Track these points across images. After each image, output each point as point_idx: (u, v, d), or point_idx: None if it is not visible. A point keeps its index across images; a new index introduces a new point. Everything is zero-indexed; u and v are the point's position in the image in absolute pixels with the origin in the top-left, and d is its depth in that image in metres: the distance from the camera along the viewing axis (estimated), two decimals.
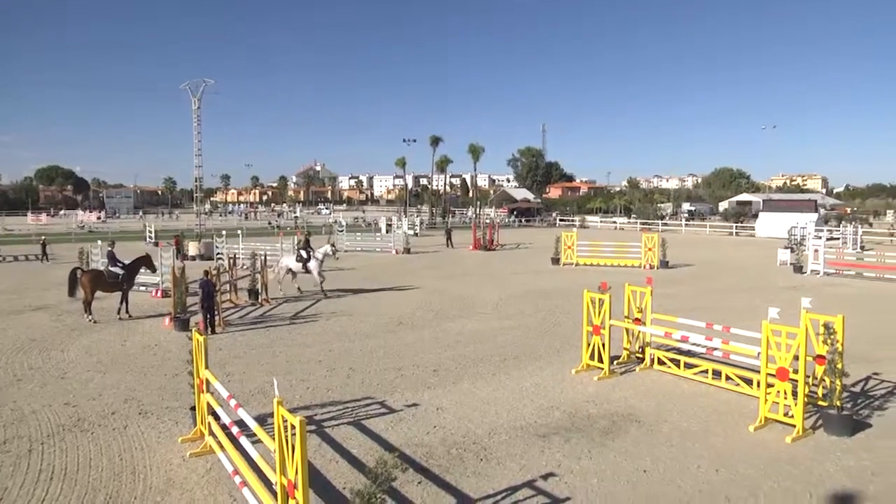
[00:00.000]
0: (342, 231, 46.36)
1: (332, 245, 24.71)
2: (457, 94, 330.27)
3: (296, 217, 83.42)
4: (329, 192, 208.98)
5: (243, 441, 7.47)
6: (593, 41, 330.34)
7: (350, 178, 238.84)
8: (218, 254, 33.40)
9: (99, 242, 26.07)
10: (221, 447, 8.54)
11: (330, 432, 9.96)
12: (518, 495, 7.90)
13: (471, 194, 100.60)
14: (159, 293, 23.09)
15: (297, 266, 24.03)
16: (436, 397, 11.75)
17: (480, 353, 15.14)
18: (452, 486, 8.13)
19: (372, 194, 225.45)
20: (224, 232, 36.20)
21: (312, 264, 23.78)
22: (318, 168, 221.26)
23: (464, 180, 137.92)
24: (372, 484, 5.44)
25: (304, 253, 23.99)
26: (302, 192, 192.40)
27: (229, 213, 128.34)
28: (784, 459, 9.21)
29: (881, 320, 19.70)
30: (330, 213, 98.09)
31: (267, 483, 6.86)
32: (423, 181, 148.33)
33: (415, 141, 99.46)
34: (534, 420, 10.63)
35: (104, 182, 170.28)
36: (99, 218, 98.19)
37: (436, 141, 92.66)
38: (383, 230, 55.43)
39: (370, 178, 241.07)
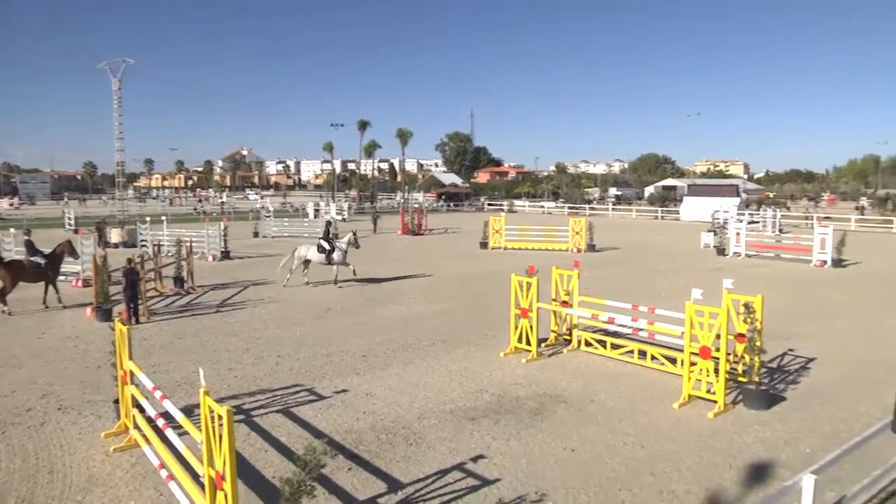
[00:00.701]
0: (269, 217, 45.68)
1: (354, 234, 24.03)
2: (385, 79, 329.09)
3: (222, 203, 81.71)
4: (256, 177, 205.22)
5: (169, 433, 7.32)
6: (521, 27, 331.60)
7: (278, 163, 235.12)
8: (142, 241, 32.62)
9: (12, 230, 25.00)
10: (147, 440, 8.34)
11: (259, 421, 9.86)
12: (448, 478, 7.97)
13: (399, 179, 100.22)
14: (80, 283, 22.41)
15: (318, 257, 23.22)
16: (365, 383, 11.75)
17: (409, 337, 15.19)
18: (383, 471, 8.16)
19: (300, 179, 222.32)
20: (148, 218, 35.36)
21: (337, 255, 23.21)
22: (245, 152, 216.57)
23: (392, 165, 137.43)
24: (301, 471, 5.40)
25: (325, 244, 23.34)
26: (228, 177, 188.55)
27: (153, 198, 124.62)
28: (706, 434, 9.57)
29: (797, 299, 20.55)
30: (258, 199, 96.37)
31: (194, 476, 6.76)
32: (352, 166, 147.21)
33: (343, 125, 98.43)
34: (463, 403, 10.72)
35: (17, 167, 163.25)
36: (11, 204, 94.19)
37: (364, 125, 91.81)
38: (311, 215, 54.92)
39: (298, 163, 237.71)
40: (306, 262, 23.14)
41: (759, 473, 8.32)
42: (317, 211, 56.73)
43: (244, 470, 7.91)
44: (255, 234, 42.38)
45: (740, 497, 7.65)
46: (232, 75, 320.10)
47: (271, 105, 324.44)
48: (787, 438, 9.48)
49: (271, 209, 52.58)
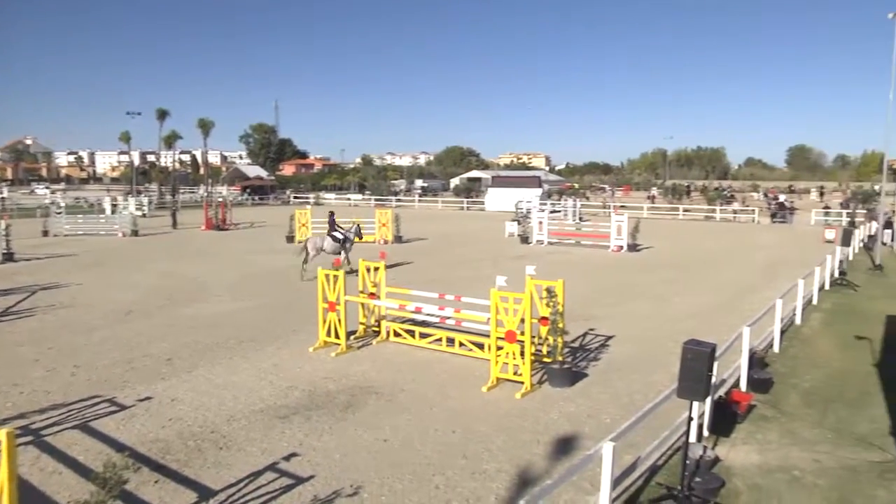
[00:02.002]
0: (60, 213, 42.53)
1: (358, 225, 24.65)
2: (185, 66, 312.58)
3: (2, 198, 74.85)
4: (45, 170, 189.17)
5: None
6: (323, 18, 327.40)
7: (69, 154, 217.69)
8: None
9: None
10: None
11: (51, 440, 9.13)
12: (261, 480, 7.87)
13: (202, 171, 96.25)
14: None
15: (333, 247, 23.81)
16: (170, 388, 11.26)
17: (216, 337, 14.73)
18: (192, 479, 7.90)
19: (94, 172, 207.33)
20: None
21: (348, 244, 24.26)
22: (30, 142, 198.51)
23: (194, 157, 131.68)
24: (100, 491, 5.09)
25: (338, 234, 24.31)
26: (10, 170, 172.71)
27: None
28: (515, 414, 10.06)
29: (597, 282, 22.02)
30: (48, 194, 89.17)
31: None
32: (151, 157, 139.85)
33: (140, 114, 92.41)
34: (273, 402, 10.60)
35: None
36: None
37: (163, 114, 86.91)
38: (108, 211, 51.75)
39: (92, 155, 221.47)
40: (318, 253, 23.33)
41: (564, 446, 8.89)
42: (114, 206, 53.45)
43: (31, 498, 7.31)
44: (45, 233, 39.10)
45: (548, 469, 8.12)
46: (10, 56, 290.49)
47: (58, 91, 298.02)
48: (589, 412, 10.19)
49: (63, 205, 49.01)
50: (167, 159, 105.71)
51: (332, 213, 26.17)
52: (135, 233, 39.01)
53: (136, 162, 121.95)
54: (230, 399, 10.73)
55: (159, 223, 45.20)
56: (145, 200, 60.78)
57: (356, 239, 25.24)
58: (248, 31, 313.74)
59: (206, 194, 72.58)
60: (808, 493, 7.78)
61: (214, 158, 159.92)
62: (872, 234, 34.84)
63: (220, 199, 56.67)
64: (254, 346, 14.04)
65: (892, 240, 34.39)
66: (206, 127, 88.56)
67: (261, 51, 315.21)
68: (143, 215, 51.94)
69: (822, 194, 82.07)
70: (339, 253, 23.71)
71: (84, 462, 8.41)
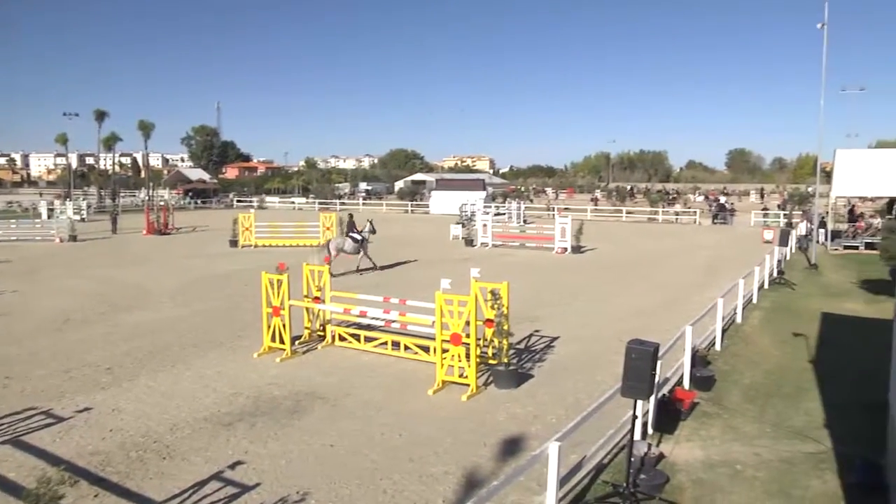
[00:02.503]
0: None
1: (371, 223, 25.46)
2: (124, 65, 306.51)
3: None
4: None
5: None
6: (266, 19, 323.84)
7: (0, 156, 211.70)
8: None
9: None
10: None
11: None
12: (206, 489, 7.73)
13: (143, 175, 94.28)
14: None
15: (352, 247, 24.92)
16: (111, 398, 10.98)
17: (159, 344, 14.43)
18: (134, 492, 7.72)
19: (28, 175, 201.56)
20: None
21: (366, 245, 25.26)
22: None
23: (135, 159, 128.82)
24: None
25: (357, 235, 25.15)
26: None
27: None
28: (461, 416, 10.08)
29: (541, 284, 22.18)
30: None
31: None
32: (90, 160, 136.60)
33: (77, 115, 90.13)
34: (218, 409, 10.43)
35: None
36: None
37: (101, 115, 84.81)
38: (44, 215, 50.43)
39: (26, 157, 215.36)
40: (338, 253, 24.31)
41: (511, 447, 8.93)
42: (51, 210, 52.13)
43: None
44: None
45: (495, 471, 8.16)
46: None
47: None
48: (535, 412, 10.26)
49: None
50: (107, 162, 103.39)
51: (351, 216, 27.39)
52: (73, 238, 38.02)
53: (74, 165, 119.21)
54: (173, 407, 10.52)
55: (99, 228, 44.15)
56: (84, 204, 59.35)
57: (369, 235, 26.10)
58: (189, 31, 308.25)
59: (147, 198, 71.15)
60: (749, 485, 7.99)
61: (156, 161, 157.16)
62: (804, 233, 35.86)
63: (162, 203, 55.75)
64: (197, 352, 13.80)
65: (827, 239, 35.42)
66: (146, 129, 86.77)
67: (202, 51, 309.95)
68: (82, 220, 50.70)
69: (762, 196, 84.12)
70: (359, 252, 25.08)
71: (16, 480, 8.01)
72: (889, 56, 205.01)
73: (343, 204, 74.30)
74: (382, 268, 25.57)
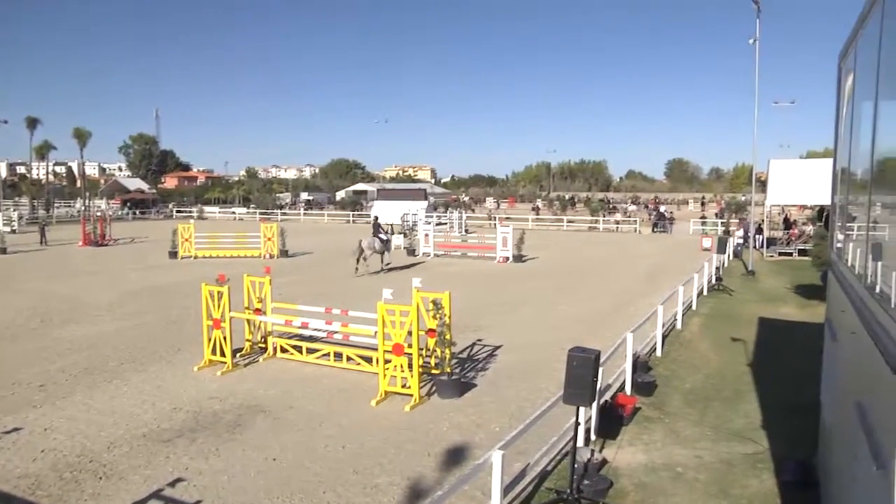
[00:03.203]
0: None
1: (392, 226, 27.90)
2: (59, 71, 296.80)
3: None
4: None
5: None
6: (207, 25, 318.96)
7: None
8: None
9: None
10: None
11: None
12: None
13: (79, 184, 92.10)
14: None
15: (380, 246, 27.06)
16: (43, 417, 10.59)
17: (95, 359, 14.02)
18: None
19: None
20: None
21: (390, 244, 27.33)
22: None
23: (70, 169, 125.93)
24: None
25: (383, 235, 27.37)
26: None
27: None
28: (404, 426, 10.05)
29: (484, 293, 22.29)
30: None
31: None
32: (21, 169, 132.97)
33: (6, 122, 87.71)
34: (157, 425, 10.19)
35: None
36: None
37: (33, 123, 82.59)
38: None
39: None
40: (373, 251, 26.68)
41: (455, 456, 8.95)
42: None
43: None
44: None
45: (439, 480, 8.15)
46: None
47: None
48: (478, 421, 10.30)
49: None
50: (40, 171, 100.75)
51: (376, 218, 30.11)
52: (2, 250, 36.87)
53: (4, 174, 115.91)
54: (110, 425, 10.23)
55: (31, 239, 42.81)
56: (15, 215, 57.62)
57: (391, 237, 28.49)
58: (126, 37, 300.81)
59: (83, 208, 69.51)
60: (691, 487, 8.18)
61: (92, 170, 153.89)
62: (738, 241, 36.84)
63: (99, 214, 54.52)
64: (135, 367, 13.48)
65: (763, 246, 36.39)
66: (82, 137, 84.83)
67: (140, 58, 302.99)
68: (13, 231, 49.28)
69: (703, 204, 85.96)
70: (384, 252, 27.38)
71: None
72: (818, 70, 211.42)
73: (284, 214, 73.69)
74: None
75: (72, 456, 9.09)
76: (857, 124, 6.53)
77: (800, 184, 35.22)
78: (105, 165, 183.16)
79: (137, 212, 78.34)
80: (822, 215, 37.58)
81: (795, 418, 10.36)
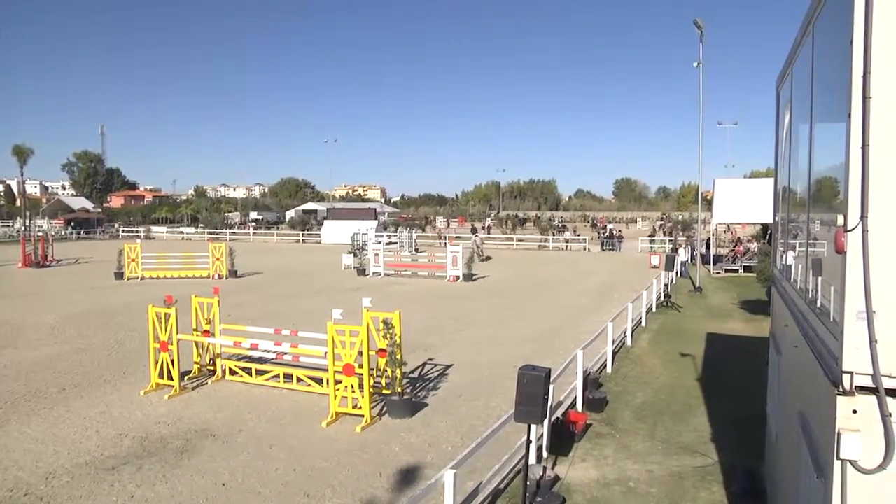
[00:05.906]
0: None
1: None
2: None
3: None
4: None
5: None
6: (156, 45, 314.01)
7: None
8: None
9: None
10: None
11: None
12: None
13: (19, 203, 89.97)
14: None
15: None
16: None
17: (33, 386, 13.52)
18: None
19: None
20: None
21: None
22: None
23: (9, 187, 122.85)
24: None
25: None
26: None
27: None
28: (356, 448, 9.97)
29: (435, 312, 22.29)
30: None
31: None
32: None
33: None
34: (100, 453, 9.87)
35: None
36: None
37: None
38: None
39: None
40: None
41: (407, 477, 8.91)
42: None
43: None
44: None
45: (392, 501, 8.15)
46: None
47: None
48: (430, 441, 10.28)
49: None
50: None
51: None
52: None
53: None
54: (50, 454, 9.86)
55: None
56: None
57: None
58: (71, 51, 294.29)
59: (23, 228, 67.76)
60: (643, 501, 8.29)
61: (34, 189, 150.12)
62: (684, 259, 37.50)
63: (41, 234, 53.15)
64: (78, 392, 13.07)
65: (710, 263, 37.05)
66: (22, 154, 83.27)
67: (84, 75, 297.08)
68: None
69: (663, 220, 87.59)
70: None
71: None
72: (759, 92, 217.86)
73: (234, 234, 72.90)
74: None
75: (4, 489, 8.68)
76: (794, 145, 6.71)
77: (744, 202, 36.14)
78: (47, 183, 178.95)
79: (82, 231, 76.65)
80: (766, 233, 38.59)
81: (743, 430, 10.57)
